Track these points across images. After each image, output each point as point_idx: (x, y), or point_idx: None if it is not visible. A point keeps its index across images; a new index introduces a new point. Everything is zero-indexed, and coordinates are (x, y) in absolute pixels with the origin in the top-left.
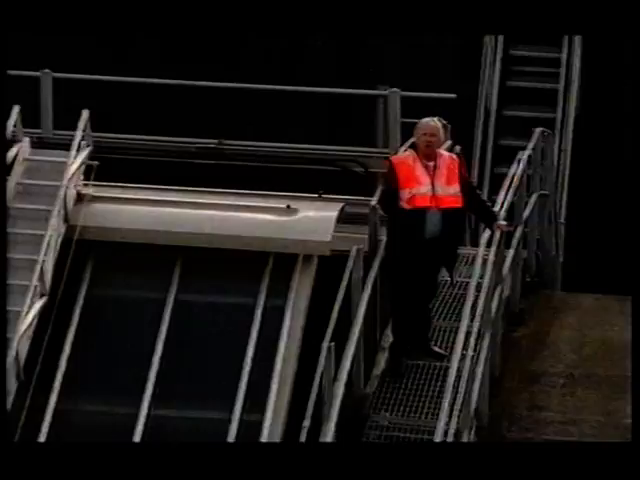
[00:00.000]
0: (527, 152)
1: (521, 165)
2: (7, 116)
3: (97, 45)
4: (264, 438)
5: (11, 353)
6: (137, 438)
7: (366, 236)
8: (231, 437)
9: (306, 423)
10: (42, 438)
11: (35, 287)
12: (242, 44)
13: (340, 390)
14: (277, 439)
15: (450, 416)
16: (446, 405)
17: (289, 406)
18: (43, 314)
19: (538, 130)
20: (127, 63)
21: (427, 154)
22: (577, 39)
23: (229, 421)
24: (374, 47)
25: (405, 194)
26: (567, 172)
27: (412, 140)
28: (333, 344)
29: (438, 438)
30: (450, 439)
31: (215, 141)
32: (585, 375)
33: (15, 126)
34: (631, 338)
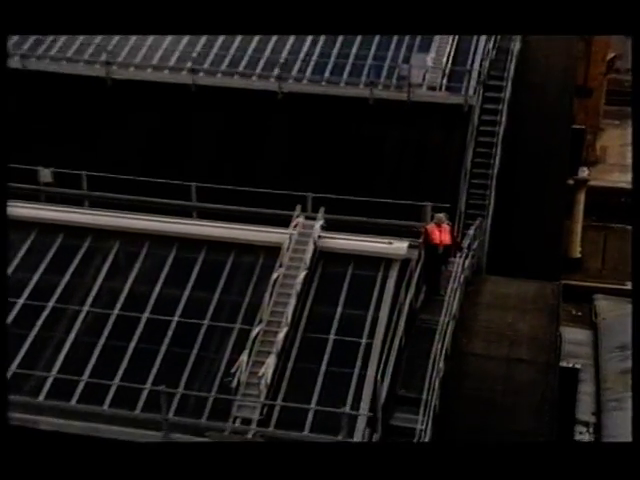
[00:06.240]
0: (474, 226)
1: (472, 231)
2: (6, 117)
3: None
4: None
5: (291, 304)
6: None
7: (417, 252)
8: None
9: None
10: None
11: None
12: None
13: (407, 303)
14: (376, 355)
15: (448, 315)
16: (443, 312)
17: (385, 332)
18: (303, 285)
19: (479, 219)
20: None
21: (439, 226)
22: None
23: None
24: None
25: (430, 240)
26: (487, 236)
27: (434, 221)
28: (411, 293)
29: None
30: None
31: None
32: (494, 307)
33: None
34: (631, 338)
